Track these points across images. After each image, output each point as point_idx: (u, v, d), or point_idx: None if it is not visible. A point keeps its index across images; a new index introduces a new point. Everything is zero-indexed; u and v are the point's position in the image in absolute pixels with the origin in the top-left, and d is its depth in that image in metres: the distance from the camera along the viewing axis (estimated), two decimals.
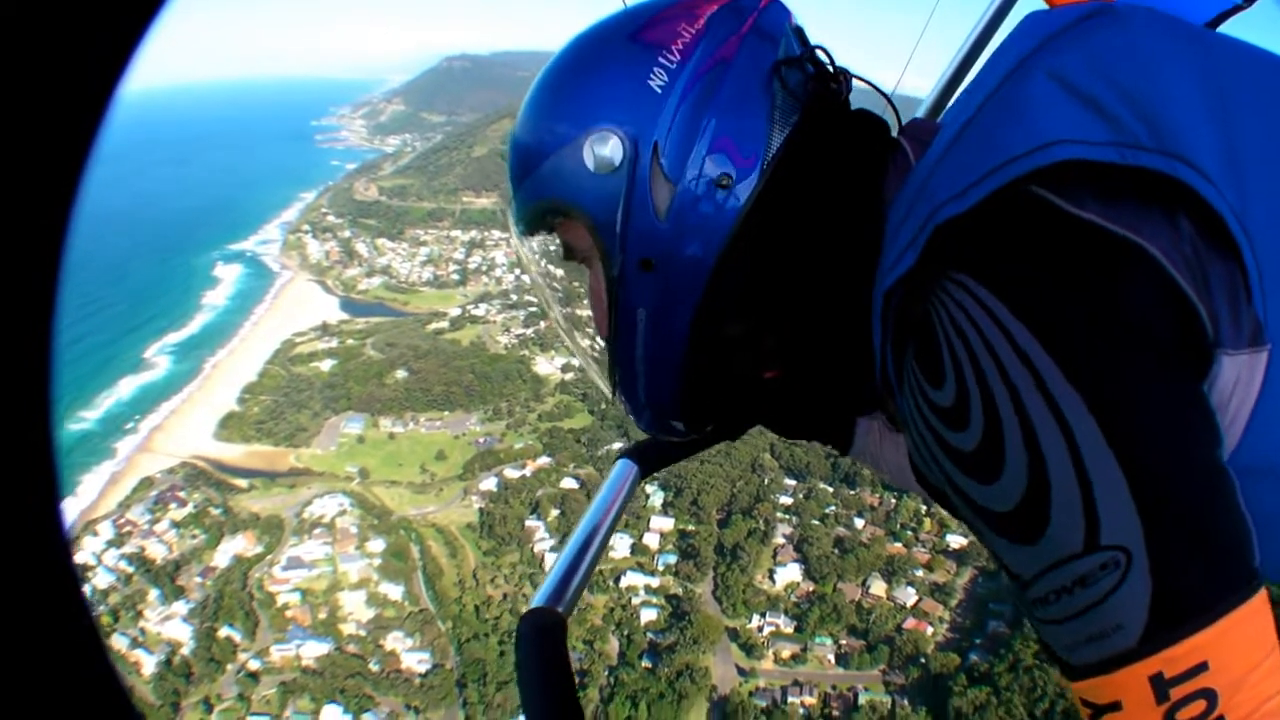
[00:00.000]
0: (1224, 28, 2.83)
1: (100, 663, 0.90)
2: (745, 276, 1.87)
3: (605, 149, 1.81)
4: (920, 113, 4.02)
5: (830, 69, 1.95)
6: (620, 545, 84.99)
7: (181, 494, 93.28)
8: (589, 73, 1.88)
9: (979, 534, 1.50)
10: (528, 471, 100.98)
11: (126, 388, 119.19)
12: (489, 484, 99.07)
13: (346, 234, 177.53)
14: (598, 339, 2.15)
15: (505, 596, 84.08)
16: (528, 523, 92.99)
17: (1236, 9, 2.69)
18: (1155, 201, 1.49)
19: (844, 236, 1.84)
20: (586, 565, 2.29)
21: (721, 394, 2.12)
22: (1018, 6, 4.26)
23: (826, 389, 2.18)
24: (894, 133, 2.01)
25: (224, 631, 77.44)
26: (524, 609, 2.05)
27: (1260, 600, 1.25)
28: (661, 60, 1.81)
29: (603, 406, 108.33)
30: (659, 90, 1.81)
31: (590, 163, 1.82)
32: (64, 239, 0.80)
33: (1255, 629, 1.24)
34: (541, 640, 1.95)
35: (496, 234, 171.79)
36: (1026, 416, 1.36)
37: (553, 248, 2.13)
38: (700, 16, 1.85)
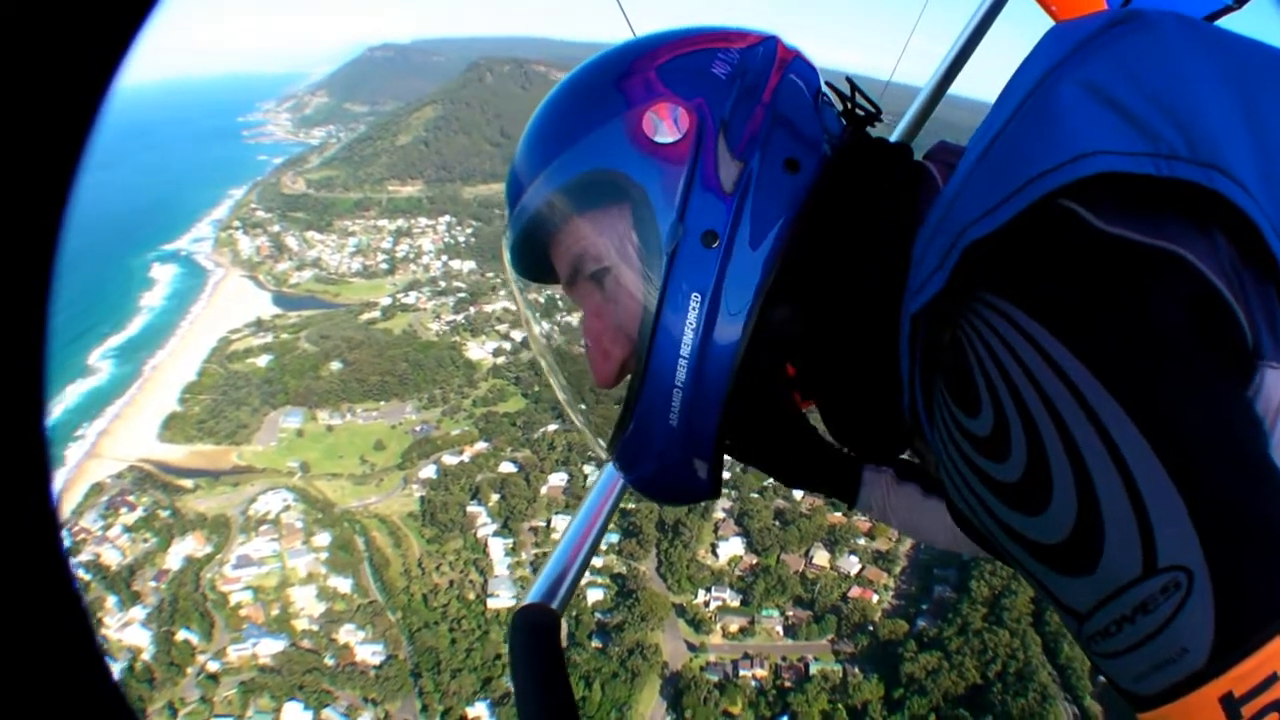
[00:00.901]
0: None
1: (93, 659, 0.91)
2: (795, 284, 1.80)
3: (670, 117, 1.76)
4: (917, 103, 4.26)
5: (850, 104, 2.00)
6: (561, 526, 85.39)
7: (131, 498, 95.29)
8: (648, 56, 1.86)
9: (1029, 573, 1.42)
10: (466, 457, 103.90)
11: (73, 394, 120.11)
12: (428, 472, 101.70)
13: (276, 228, 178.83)
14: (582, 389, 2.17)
15: (452, 584, 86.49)
16: (469, 509, 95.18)
17: (1227, 9, 2.67)
18: (1190, 213, 1.43)
19: (871, 260, 1.79)
20: (580, 562, 2.30)
21: (764, 416, 2.14)
22: (998, 22, 4.45)
23: (856, 420, 2.01)
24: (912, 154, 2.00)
25: (182, 634, 78.98)
26: (518, 605, 2.10)
27: None
28: (721, 54, 1.83)
29: (535, 390, 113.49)
30: (722, 76, 1.80)
31: (652, 130, 1.75)
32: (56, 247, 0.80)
33: None
34: (534, 637, 1.96)
35: (423, 220, 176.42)
36: (1071, 438, 1.29)
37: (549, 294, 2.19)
38: (744, 39, 1.90)
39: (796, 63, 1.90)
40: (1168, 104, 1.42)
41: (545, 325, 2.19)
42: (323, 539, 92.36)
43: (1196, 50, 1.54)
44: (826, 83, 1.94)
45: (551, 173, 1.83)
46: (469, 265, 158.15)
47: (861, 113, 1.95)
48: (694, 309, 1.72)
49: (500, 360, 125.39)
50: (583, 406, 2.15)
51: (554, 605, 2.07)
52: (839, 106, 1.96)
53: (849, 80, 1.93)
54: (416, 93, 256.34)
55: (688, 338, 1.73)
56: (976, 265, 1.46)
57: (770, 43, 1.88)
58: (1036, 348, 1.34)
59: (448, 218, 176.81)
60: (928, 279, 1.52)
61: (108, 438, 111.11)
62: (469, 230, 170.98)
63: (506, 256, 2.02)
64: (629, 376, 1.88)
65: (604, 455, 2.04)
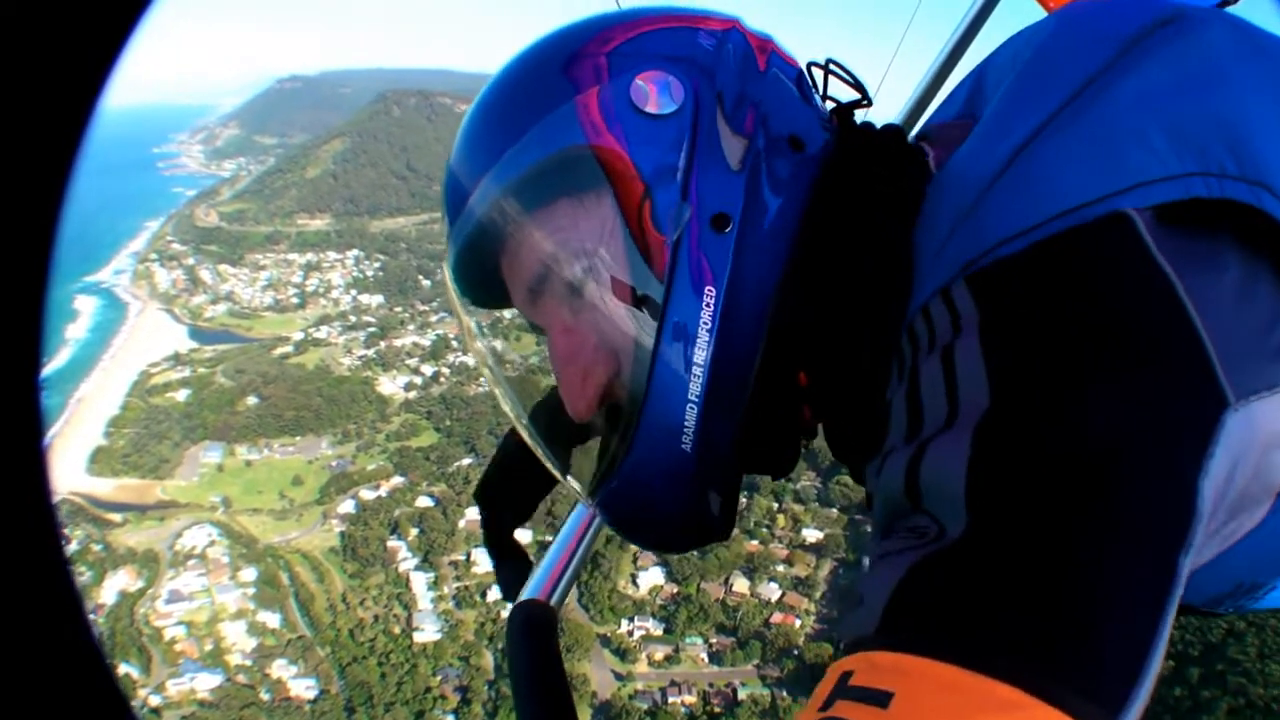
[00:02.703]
0: None
1: (94, 658, 0.94)
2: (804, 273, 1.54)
3: (658, 87, 1.49)
4: (914, 94, 3.91)
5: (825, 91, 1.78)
6: (482, 560, 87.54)
7: (65, 531, 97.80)
8: (621, 28, 1.60)
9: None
10: (383, 492, 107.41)
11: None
12: (347, 507, 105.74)
13: (191, 261, 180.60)
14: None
15: (376, 618, 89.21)
16: (389, 543, 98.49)
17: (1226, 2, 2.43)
18: (1226, 231, 1.32)
19: (873, 261, 1.52)
20: (577, 558, 2.14)
21: (779, 425, 1.70)
22: (999, 10, 4.14)
23: (854, 438, 1.70)
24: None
25: (122, 669, 79.76)
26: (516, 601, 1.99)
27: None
28: (703, 29, 1.59)
29: (447, 424, 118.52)
30: (710, 47, 1.56)
31: (641, 100, 1.48)
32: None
33: None
34: (531, 632, 1.84)
35: (332, 254, 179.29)
36: (917, 379, 1.26)
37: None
38: (711, 20, 1.64)
39: (771, 45, 1.68)
40: (1217, 120, 1.33)
41: (496, 347, 1.86)
42: (249, 574, 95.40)
43: (1244, 58, 1.43)
44: (810, 63, 1.75)
45: (505, 164, 1.54)
46: (378, 299, 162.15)
47: (838, 99, 1.76)
48: (708, 306, 1.45)
49: (412, 395, 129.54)
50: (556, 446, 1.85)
51: (551, 601, 1.99)
52: (820, 90, 1.76)
53: (831, 61, 1.75)
54: (324, 125, 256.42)
55: (702, 340, 1.46)
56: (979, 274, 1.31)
57: (738, 25, 1.64)
58: (953, 317, 1.27)
59: (356, 252, 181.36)
60: (933, 295, 1.36)
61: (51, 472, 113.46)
62: (376, 264, 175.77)
63: (449, 276, 1.74)
64: (609, 405, 1.62)
65: (586, 500, 1.78)
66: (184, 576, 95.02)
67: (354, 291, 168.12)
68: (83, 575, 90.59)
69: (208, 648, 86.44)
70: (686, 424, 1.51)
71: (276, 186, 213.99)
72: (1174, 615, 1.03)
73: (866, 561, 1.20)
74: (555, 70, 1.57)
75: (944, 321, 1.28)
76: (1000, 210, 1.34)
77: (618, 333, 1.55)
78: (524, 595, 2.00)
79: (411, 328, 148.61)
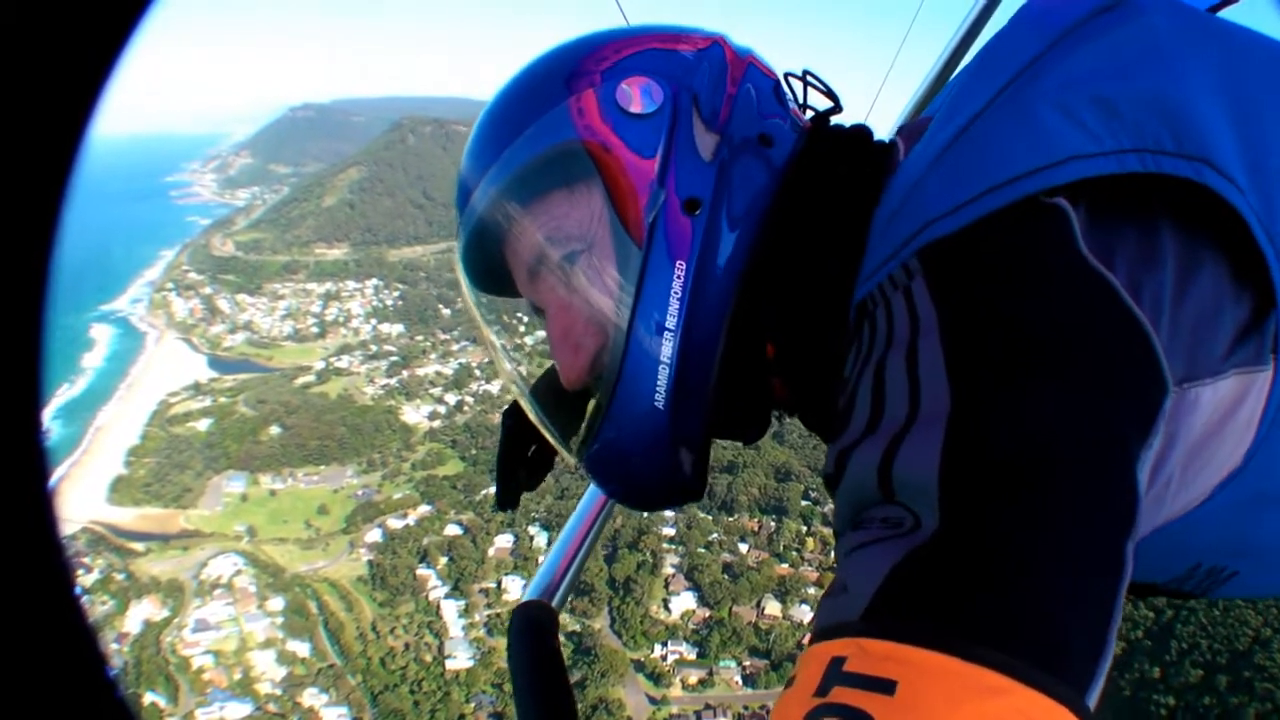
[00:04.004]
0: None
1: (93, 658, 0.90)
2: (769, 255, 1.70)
3: (641, 91, 1.68)
4: (896, 126, 3.68)
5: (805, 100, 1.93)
6: (513, 588, 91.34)
7: (86, 560, 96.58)
8: (616, 43, 1.79)
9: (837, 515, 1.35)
10: (410, 521, 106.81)
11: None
12: (374, 536, 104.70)
13: (208, 290, 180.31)
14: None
15: (407, 646, 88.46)
16: (418, 572, 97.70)
17: (1224, 3, 2.54)
18: (1164, 212, 1.43)
19: (828, 243, 1.65)
20: (579, 559, 2.25)
21: (748, 393, 1.83)
22: (999, 13, 4.20)
23: (819, 408, 1.82)
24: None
25: (149, 698, 79.60)
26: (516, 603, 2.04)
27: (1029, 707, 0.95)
28: (683, 44, 1.78)
29: (473, 452, 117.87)
30: (690, 57, 1.75)
31: (625, 101, 1.68)
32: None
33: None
34: (533, 633, 1.91)
35: (351, 284, 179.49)
36: (883, 372, 1.31)
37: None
38: (694, 38, 1.82)
39: (751, 59, 1.85)
40: (1153, 96, 1.39)
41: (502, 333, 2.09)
42: (276, 603, 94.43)
43: (1186, 40, 1.50)
44: (786, 74, 1.93)
45: (505, 161, 1.74)
46: (398, 329, 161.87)
47: (816, 108, 1.91)
48: (678, 278, 1.63)
49: (436, 424, 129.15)
50: (555, 415, 2.02)
51: (553, 602, 2.08)
52: (798, 100, 1.92)
53: (806, 72, 1.92)
54: (338, 154, 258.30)
55: (672, 309, 1.63)
56: (925, 254, 1.40)
57: (721, 41, 1.83)
58: (912, 314, 1.33)
59: (375, 281, 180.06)
60: (878, 268, 1.46)
61: (57, 498, 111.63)
62: (396, 293, 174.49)
63: (459, 264, 1.94)
64: (599, 374, 1.77)
65: (573, 458, 1.95)
66: (210, 606, 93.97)
67: (374, 321, 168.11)
68: (105, 604, 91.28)
69: (236, 676, 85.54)
70: (659, 384, 1.67)
71: (293, 216, 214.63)
72: (1125, 592, 1.11)
73: (838, 547, 1.28)
74: (556, 81, 1.75)
75: (902, 318, 1.34)
76: (935, 188, 1.44)
77: (604, 307, 1.71)
78: (526, 596, 2.11)
79: (434, 356, 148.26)
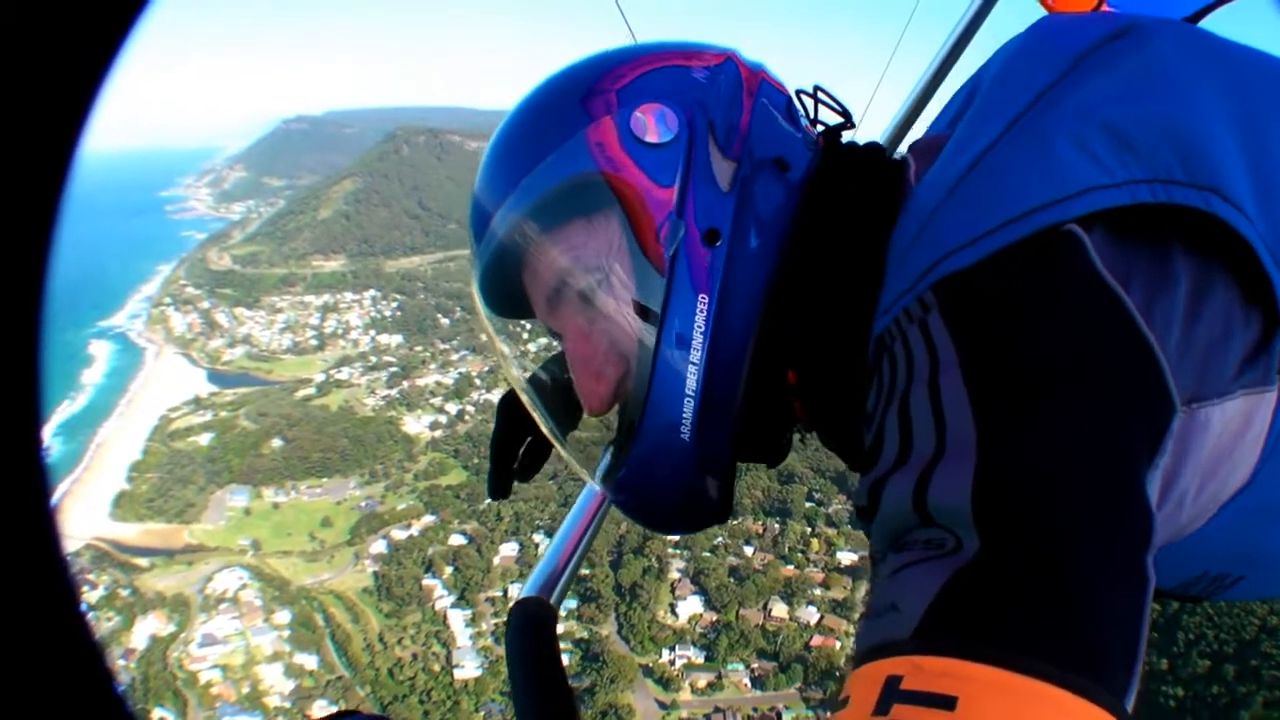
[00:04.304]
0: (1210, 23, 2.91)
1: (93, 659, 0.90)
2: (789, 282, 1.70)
3: (656, 118, 1.67)
4: (890, 127, 4.02)
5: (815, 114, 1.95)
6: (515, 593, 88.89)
7: (90, 576, 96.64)
8: (628, 66, 1.77)
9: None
10: (415, 531, 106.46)
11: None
12: (378, 547, 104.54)
13: (206, 305, 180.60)
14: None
15: (415, 656, 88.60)
16: (424, 582, 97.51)
17: (1221, 2, 2.57)
18: (1176, 236, 1.43)
19: (846, 270, 1.67)
20: (577, 555, 2.25)
21: (771, 418, 1.86)
22: (989, 21, 4.19)
23: (840, 432, 1.85)
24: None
25: (157, 713, 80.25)
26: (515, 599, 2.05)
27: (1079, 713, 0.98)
28: (699, 64, 1.77)
29: (475, 461, 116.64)
30: (703, 80, 1.73)
31: (641, 130, 1.66)
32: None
33: None
34: (531, 629, 1.91)
35: (349, 295, 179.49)
36: (908, 406, 1.32)
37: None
38: (706, 55, 1.82)
39: (763, 74, 1.85)
40: (1164, 126, 1.40)
41: (520, 357, 2.09)
42: (283, 616, 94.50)
43: (1195, 66, 1.53)
44: (798, 90, 1.94)
45: (524, 189, 1.73)
46: (397, 339, 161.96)
47: (827, 123, 1.93)
48: (701, 311, 1.63)
49: (438, 434, 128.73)
50: (576, 436, 2.10)
51: (551, 598, 2.07)
52: (809, 115, 1.94)
53: (817, 88, 1.94)
54: (331, 165, 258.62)
55: (696, 342, 1.64)
56: (940, 285, 1.40)
57: (734, 57, 1.83)
58: (927, 333, 1.35)
59: (373, 292, 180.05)
60: (895, 300, 1.46)
61: (59, 515, 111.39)
62: (394, 304, 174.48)
63: (476, 291, 1.93)
64: (621, 402, 1.82)
65: (599, 486, 2.02)
66: (217, 620, 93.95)
67: (373, 332, 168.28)
68: (111, 620, 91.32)
69: (245, 690, 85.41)
70: (685, 416, 1.69)
71: (289, 228, 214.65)
72: (1151, 603, 1.14)
73: (878, 570, 1.28)
74: (572, 105, 1.74)
75: (921, 353, 1.35)
76: (952, 219, 1.44)
77: (625, 337, 1.72)
78: (524, 593, 2.10)
79: (433, 367, 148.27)
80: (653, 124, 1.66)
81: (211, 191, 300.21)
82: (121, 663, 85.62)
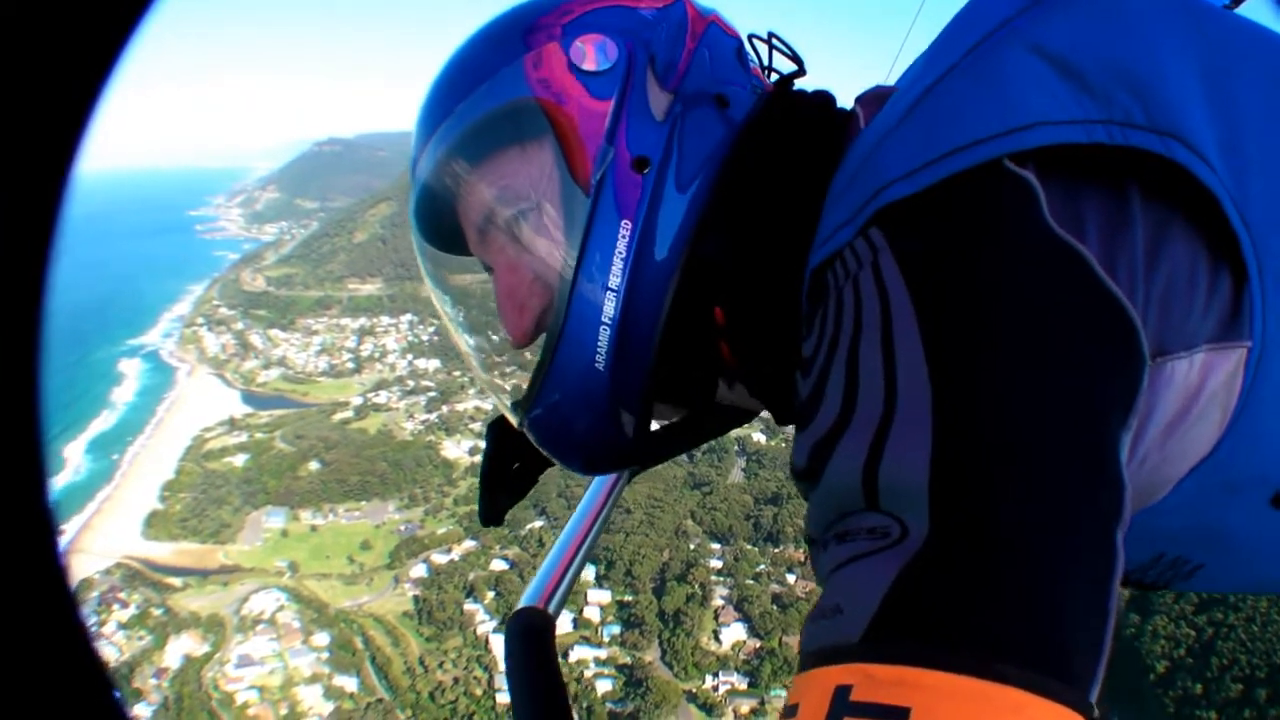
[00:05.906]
0: None
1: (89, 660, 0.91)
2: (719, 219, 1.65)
3: (596, 48, 1.65)
4: None
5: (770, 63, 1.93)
6: (561, 622, 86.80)
7: (122, 595, 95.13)
8: (579, 3, 1.73)
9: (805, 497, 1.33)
10: (455, 556, 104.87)
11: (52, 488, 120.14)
12: (419, 571, 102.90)
13: (240, 326, 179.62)
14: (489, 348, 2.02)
15: (456, 680, 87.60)
16: (466, 606, 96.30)
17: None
18: (1134, 182, 1.37)
19: (784, 206, 1.64)
20: (575, 565, 2.24)
21: (694, 357, 1.80)
22: None
23: (767, 375, 1.80)
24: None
25: None
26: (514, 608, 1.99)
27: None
28: (645, 6, 1.74)
29: None
30: (650, 15, 1.72)
31: (579, 59, 1.65)
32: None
33: None
34: (530, 639, 1.86)
35: (385, 319, 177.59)
36: (856, 359, 1.23)
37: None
38: None
39: (714, 18, 1.82)
40: (1125, 69, 1.35)
41: (453, 289, 2.03)
42: (322, 638, 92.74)
43: (1160, 13, 1.46)
44: (750, 36, 1.92)
45: (457, 117, 1.71)
46: (434, 364, 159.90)
47: (781, 71, 1.89)
48: (623, 237, 1.61)
49: (477, 459, 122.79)
50: (498, 373, 2.04)
51: (549, 609, 2.06)
52: (762, 62, 1.91)
53: (771, 34, 1.92)
54: (365, 188, 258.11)
55: (616, 268, 1.61)
56: (887, 223, 1.35)
57: (685, 1, 1.80)
58: (882, 296, 1.26)
59: (410, 316, 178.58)
60: (834, 232, 1.42)
61: (90, 533, 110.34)
62: (431, 328, 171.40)
63: (411, 220, 1.89)
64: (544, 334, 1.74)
65: (515, 417, 1.90)
66: (253, 641, 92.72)
67: (410, 356, 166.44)
68: (143, 639, 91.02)
69: (283, 712, 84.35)
70: (600, 344, 1.63)
71: (324, 251, 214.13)
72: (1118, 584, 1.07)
73: (819, 561, 1.23)
74: (514, 36, 1.70)
75: (872, 301, 1.28)
76: (896, 148, 1.40)
77: (549, 266, 1.68)
78: (522, 603, 2.08)
79: (472, 392, 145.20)
80: (592, 53, 1.65)
81: (244, 212, 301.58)
82: (153, 681, 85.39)
